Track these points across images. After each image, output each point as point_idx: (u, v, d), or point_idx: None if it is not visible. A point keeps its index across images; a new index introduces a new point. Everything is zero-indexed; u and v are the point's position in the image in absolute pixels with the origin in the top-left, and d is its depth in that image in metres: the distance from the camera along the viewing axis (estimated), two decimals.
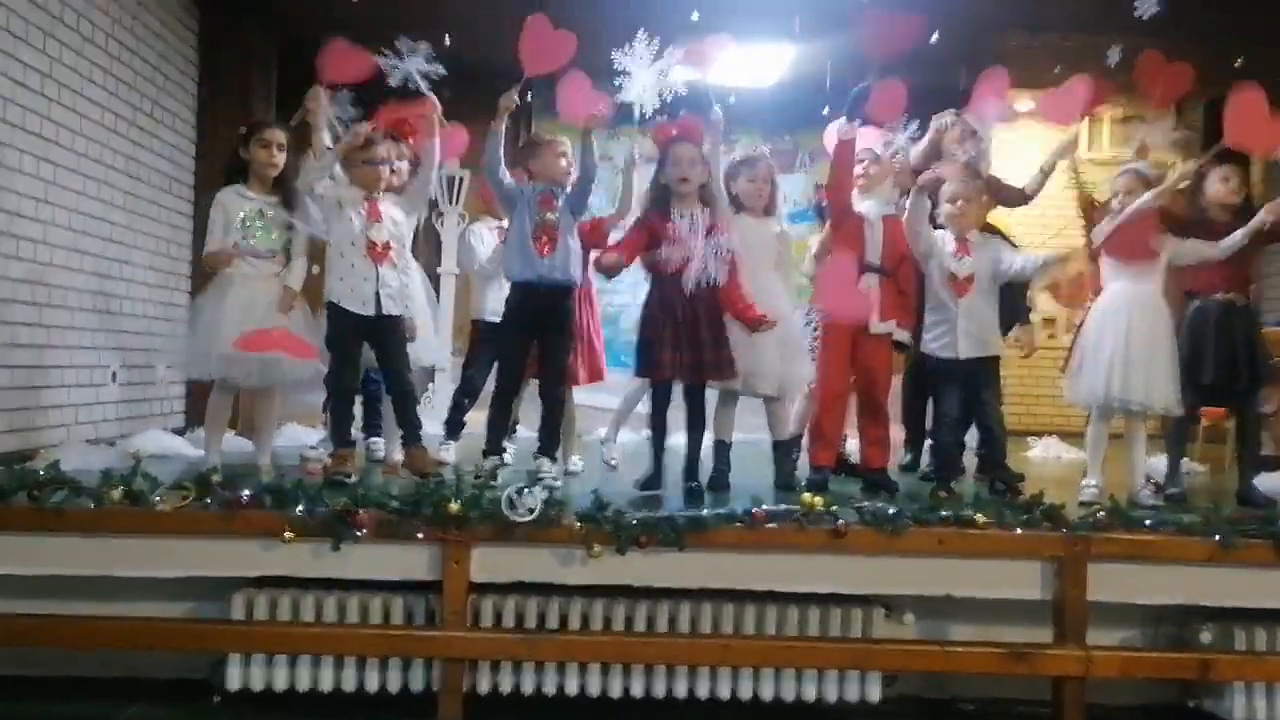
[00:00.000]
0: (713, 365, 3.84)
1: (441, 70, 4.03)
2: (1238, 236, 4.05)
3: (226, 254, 3.96)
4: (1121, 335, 4.04)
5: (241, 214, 3.96)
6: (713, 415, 4.22)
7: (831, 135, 4.28)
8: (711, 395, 4.21)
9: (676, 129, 3.96)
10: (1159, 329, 4.06)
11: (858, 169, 4.19)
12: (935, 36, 4.97)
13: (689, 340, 3.80)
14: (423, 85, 4.03)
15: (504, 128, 4.04)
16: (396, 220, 4.06)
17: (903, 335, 4.33)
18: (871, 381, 4.21)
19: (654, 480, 3.90)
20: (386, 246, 3.96)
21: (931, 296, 4.20)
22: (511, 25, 3.95)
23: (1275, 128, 3.99)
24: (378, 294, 3.93)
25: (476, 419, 4.61)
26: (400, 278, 4.02)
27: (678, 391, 3.98)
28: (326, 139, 4.11)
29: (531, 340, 4.20)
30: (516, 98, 3.98)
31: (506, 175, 4.14)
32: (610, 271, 3.88)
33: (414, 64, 4.00)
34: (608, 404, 5.22)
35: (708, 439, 4.25)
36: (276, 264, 4.01)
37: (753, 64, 6.53)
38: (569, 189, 4.14)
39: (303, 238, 4.08)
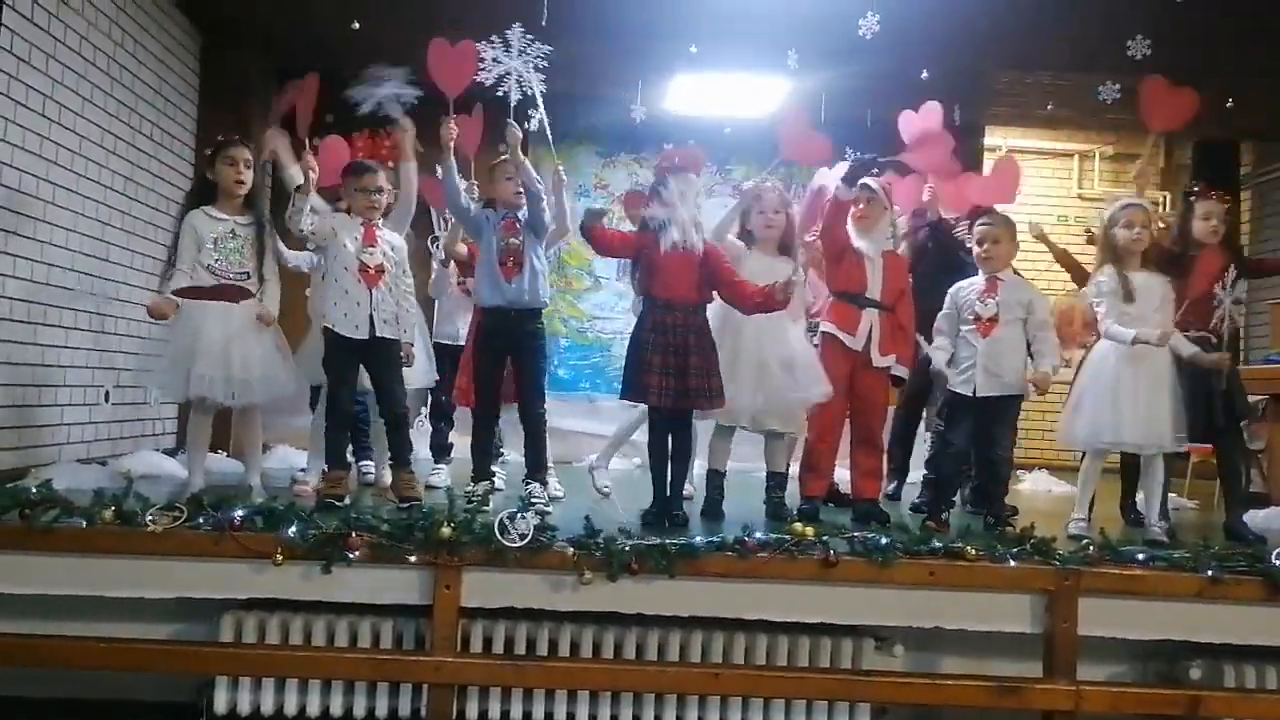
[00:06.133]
0: (698, 393, 3.81)
1: (416, 93, 4.03)
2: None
3: (163, 305, 3.91)
4: (1115, 377, 3.99)
5: (213, 235, 3.97)
6: (708, 444, 4.23)
7: (823, 180, 4.39)
8: (707, 425, 4.22)
9: (678, 158, 3.99)
10: (1157, 369, 4.00)
11: (856, 209, 4.21)
12: (925, 74, 5.05)
13: (676, 367, 3.79)
14: (396, 111, 4.05)
15: (453, 160, 4.10)
16: (394, 245, 4.09)
17: (901, 371, 4.35)
18: (868, 414, 4.23)
19: (660, 513, 3.84)
20: (380, 270, 3.98)
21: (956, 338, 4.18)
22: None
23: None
24: (371, 317, 3.95)
25: (465, 442, 4.62)
26: (395, 301, 4.04)
27: None
28: (297, 174, 4.17)
29: (504, 363, 4.23)
30: (454, 127, 4.05)
31: (470, 204, 4.22)
32: (595, 217, 3.90)
33: (388, 89, 4.00)
34: (599, 430, 5.23)
35: (702, 468, 4.26)
36: (251, 284, 4.02)
37: (748, 96, 6.59)
38: (524, 211, 4.20)
39: (274, 259, 4.12)
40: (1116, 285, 4.06)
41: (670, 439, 3.94)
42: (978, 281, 4.18)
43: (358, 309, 3.95)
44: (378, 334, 3.97)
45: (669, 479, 3.93)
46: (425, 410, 6.42)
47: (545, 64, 3.92)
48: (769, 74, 6.01)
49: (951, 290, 4.23)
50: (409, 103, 4.04)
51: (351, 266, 3.96)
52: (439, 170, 4.19)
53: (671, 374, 3.78)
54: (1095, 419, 4.03)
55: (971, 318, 4.12)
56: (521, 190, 4.19)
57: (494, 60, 3.94)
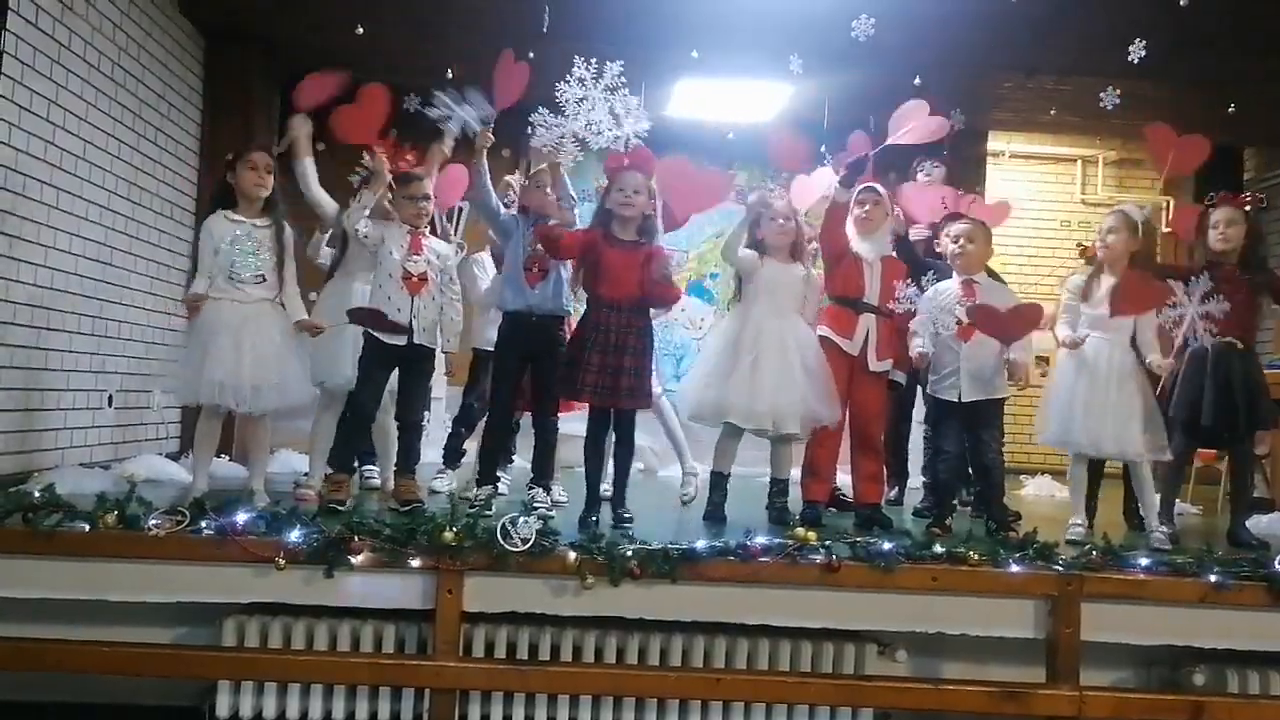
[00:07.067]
0: (629, 392, 3.82)
1: (492, 116, 4.14)
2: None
3: (194, 299, 3.92)
4: (1085, 382, 4.02)
5: (229, 237, 3.97)
6: (714, 446, 4.23)
7: (808, 184, 4.39)
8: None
9: (627, 158, 3.98)
10: (1127, 377, 4.03)
11: (860, 210, 4.22)
12: (917, 80, 5.04)
13: (612, 366, 3.80)
14: (454, 130, 4.20)
15: (485, 163, 4.14)
16: (440, 253, 4.11)
17: (899, 376, 4.33)
18: (867, 418, 4.22)
19: (590, 513, 3.82)
20: (423, 278, 4.01)
21: (935, 339, 4.19)
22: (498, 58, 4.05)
23: None
24: (411, 324, 3.97)
25: (475, 448, 4.62)
26: (439, 308, 4.06)
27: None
28: (309, 167, 4.30)
29: (523, 369, 4.23)
30: (491, 135, 4.07)
31: (500, 206, 4.21)
32: (548, 238, 3.93)
33: (466, 113, 4.14)
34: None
35: (705, 470, 4.26)
36: (267, 288, 4.02)
37: (751, 101, 6.61)
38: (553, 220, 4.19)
39: (294, 265, 4.11)
40: (1078, 287, 4.17)
41: (615, 436, 3.95)
42: (952, 285, 4.19)
43: (399, 315, 3.97)
44: (416, 340, 4.00)
45: (614, 471, 3.94)
46: (428, 415, 6.42)
47: (620, 111, 3.93)
48: (772, 79, 6.02)
49: (927, 294, 4.21)
50: (472, 128, 4.15)
51: (395, 274, 3.98)
52: (535, 183, 4.25)
53: (607, 373, 3.79)
54: (1060, 420, 4.07)
55: (952, 323, 4.13)
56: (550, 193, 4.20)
57: (579, 80, 3.91)
